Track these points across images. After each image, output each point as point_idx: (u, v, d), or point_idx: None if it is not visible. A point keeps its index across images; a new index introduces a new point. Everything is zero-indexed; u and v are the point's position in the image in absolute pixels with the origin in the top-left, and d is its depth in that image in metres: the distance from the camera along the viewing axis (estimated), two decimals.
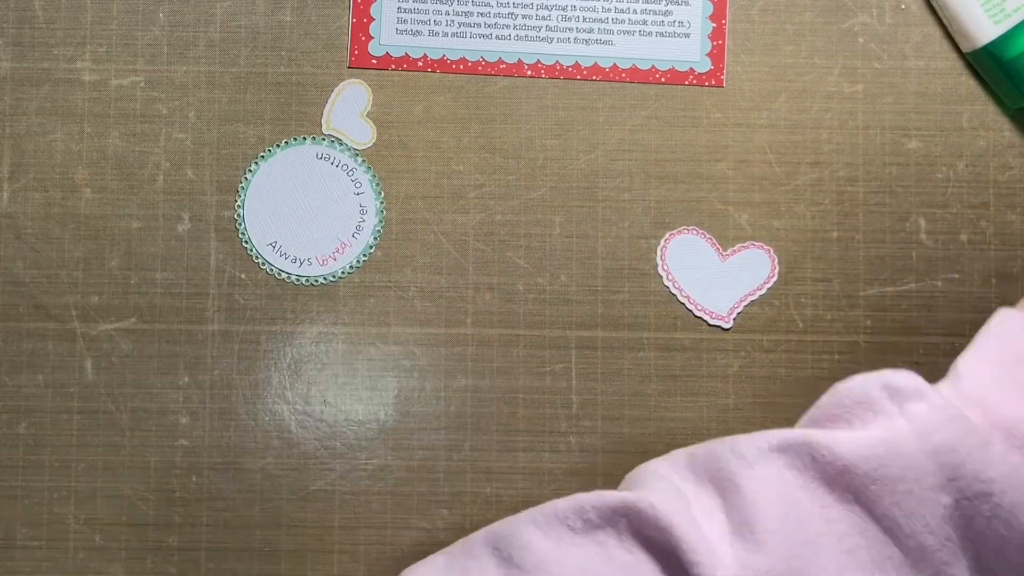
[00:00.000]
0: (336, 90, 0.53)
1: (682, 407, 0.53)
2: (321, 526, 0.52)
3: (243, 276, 0.53)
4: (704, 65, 0.53)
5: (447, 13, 0.53)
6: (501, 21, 0.53)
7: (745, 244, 0.53)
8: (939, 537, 0.39)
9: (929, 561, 0.39)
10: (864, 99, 0.54)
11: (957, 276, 0.53)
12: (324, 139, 0.53)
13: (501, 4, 0.53)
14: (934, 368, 0.53)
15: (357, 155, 0.53)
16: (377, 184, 0.53)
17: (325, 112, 0.53)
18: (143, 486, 0.52)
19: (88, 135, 0.53)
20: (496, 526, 0.44)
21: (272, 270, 0.53)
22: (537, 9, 0.53)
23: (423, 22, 0.53)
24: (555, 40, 0.53)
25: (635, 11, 0.53)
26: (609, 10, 0.53)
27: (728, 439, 0.43)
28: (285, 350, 0.53)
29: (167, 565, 0.52)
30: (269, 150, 0.53)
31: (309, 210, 0.53)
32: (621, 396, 0.53)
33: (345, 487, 0.52)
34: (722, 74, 0.53)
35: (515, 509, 0.52)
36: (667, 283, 0.53)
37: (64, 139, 0.53)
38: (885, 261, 0.53)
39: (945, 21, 0.53)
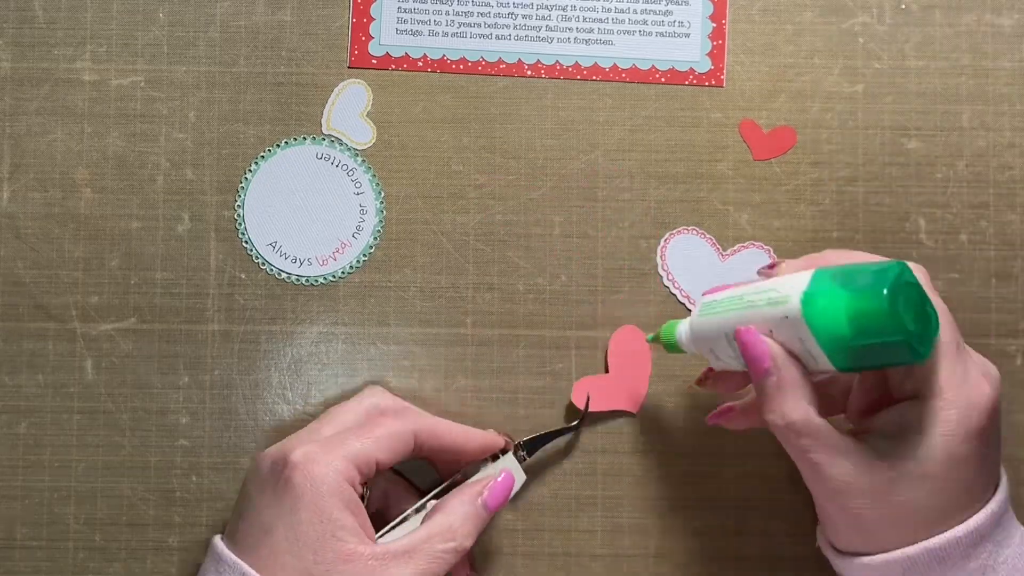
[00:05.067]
0: (336, 90, 0.53)
1: (683, 407, 0.53)
2: None
3: (243, 276, 0.53)
4: (704, 65, 0.53)
5: (447, 13, 0.53)
6: (501, 21, 0.53)
7: (745, 244, 0.53)
8: None
9: None
10: (864, 99, 0.54)
11: (957, 276, 0.53)
12: (324, 139, 0.53)
13: (501, 4, 0.53)
14: None
15: (357, 155, 0.53)
16: (377, 184, 0.53)
17: (325, 112, 0.53)
18: (143, 486, 0.52)
19: (88, 135, 0.53)
20: None
21: (272, 270, 0.53)
22: (537, 9, 0.53)
23: (423, 22, 0.53)
24: (555, 40, 0.53)
25: (635, 11, 0.53)
26: (609, 10, 0.53)
27: None
28: (285, 350, 0.53)
29: (167, 565, 0.52)
30: (269, 150, 0.53)
31: (309, 210, 0.53)
32: None
33: None
34: (722, 74, 0.53)
35: (515, 509, 0.52)
36: (667, 283, 0.53)
37: (64, 139, 0.53)
38: None
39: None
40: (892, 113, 0.54)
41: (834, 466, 0.42)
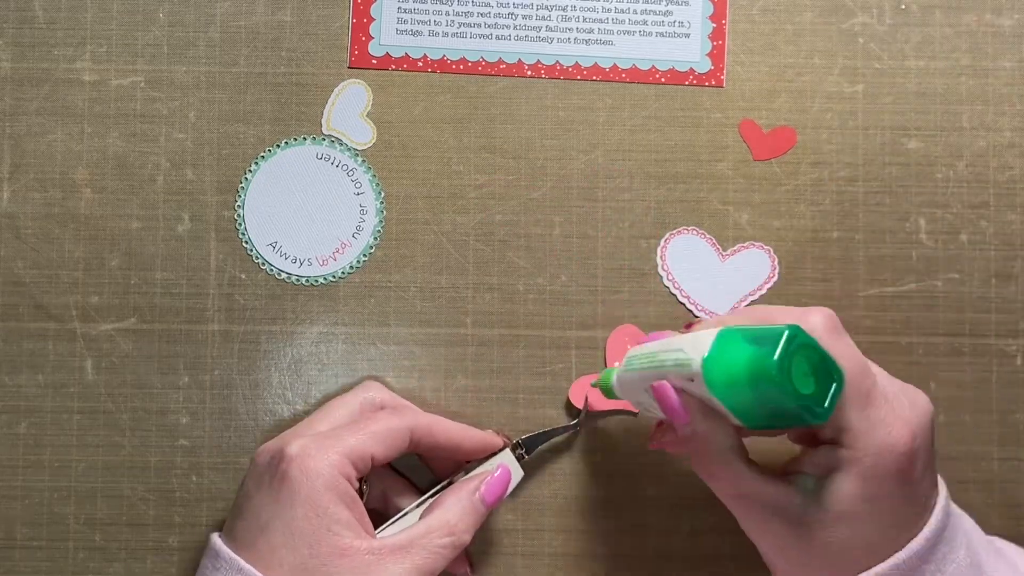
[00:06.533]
0: (336, 90, 0.53)
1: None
2: None
3: (243, 276, 0.53)
4: (704, 65, 0.53)
5: (447, 13, 0.53)
6: (501, 21, 0.53)
7: (745, 244, 0.53)
8: None
9: None
10: (864, 99, 0.54)
11: (957, 276, 0.53)
12: (324, 139, 0.53)
13: (501, 4, 0.53)
14: (934, 368, 0.53)
15: (357, 155, 0.53)
16: (377, 184, 0.53)
17: (325, 112, 0.53)
18: (143, 486, 0.52)
19: (88, 135, 0.53)
20: None
21: (272, 270, 0.53)
22: (537, 9, 0.53)
23: (423, 22, 0.53)
24: (555, 40, 0.53)
25: (635, 11, 0.53)
26: (609, 10, 0.53)
27: None
28: (285, 350, 0.53)
29: (167, 565, 0.52)
30: (269, 150, 0.53)
31: (309, 210, 0.53)
32: None
33: None
34: (722, 74, 0.53)
35: (515, 509, 0.52)
36: (667, 283, 0.53)
37: (64, 139, 0.53)
38: (885, 261, 0.53)
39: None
40: (892, 113, 0.54)
41: (762, 509, 0.43)
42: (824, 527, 0.42)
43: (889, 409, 0.42)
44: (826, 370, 0.40)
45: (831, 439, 0.42)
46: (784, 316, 0.43)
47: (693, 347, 0.42)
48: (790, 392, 0.38)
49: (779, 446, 0.46)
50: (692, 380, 0.41)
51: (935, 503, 0.43)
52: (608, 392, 0.49)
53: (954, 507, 0.45)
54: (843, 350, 0.42)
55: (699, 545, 0.53)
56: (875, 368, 0.43)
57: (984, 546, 0.45)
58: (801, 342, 0.39)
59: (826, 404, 0.39)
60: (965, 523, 0.45)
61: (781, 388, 0.38)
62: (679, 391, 0.42)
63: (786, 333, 0.39)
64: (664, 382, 0.43)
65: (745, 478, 0.42)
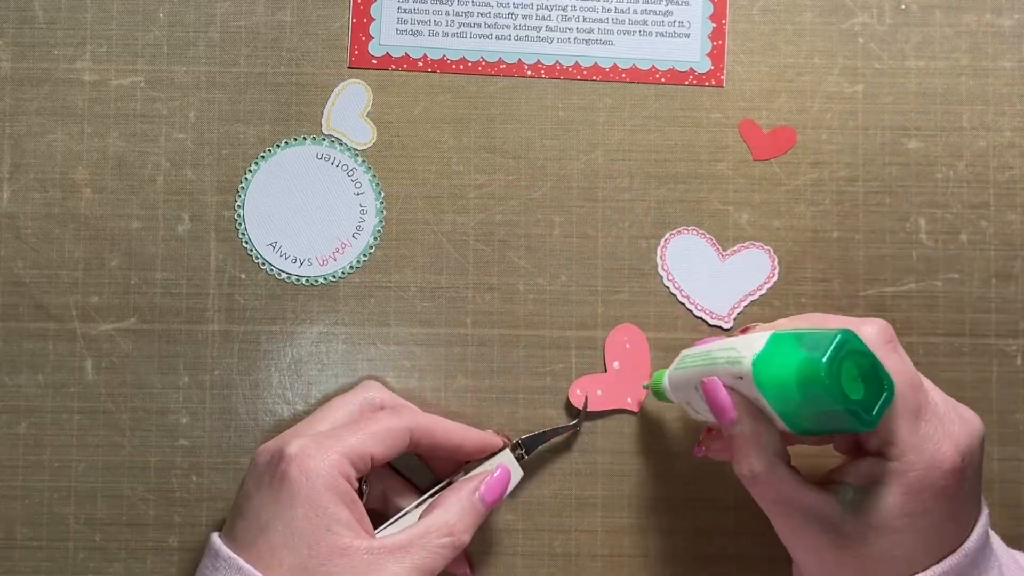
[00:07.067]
0: (336, 90, 0.53)
1: (683, 408, 0.53)
2: None
3: (243, 276, 0.53)
4: (704, 65, 0.53)
5: (447, 13, 0.53)
6: (501, 21, 0.53)
7: (745, 244, 0.53)
8: None
9: None
10: (864, 99, 0.54)
11: (957, 276, 0.53)
12: (324, 139, 0.53)
13: (501, 4, 0.53)
14: (934, 368, 0.53)
15: (357, 155, 0.53)
16: (377, 184, 0.53)
17: (325, 112, 0.53)
18: (143, 486, 0.52)
19: (88, 135, 0.53)
20: None
21: (272, 270, 0.53)
22: (537, 9, 0.53)
23: (423, 22, 0.53)
24: (555, 40, 0.53)
25: (635, 11, 0.53)
26: (609, 10, 0.53)
27: None
28: (285, 350, 0.53)
29: (167, 565, 0.52)
30: (269, 150, 0.53)
31: (309, 210, 0.53)
32: None
33: None
34: (722, 74, 0.53)
35: (515, 509, 0.52)
36: (667, 283, 0.53)
37: (64, 139, 0.53)
38: (885, 261, 0.53)
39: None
40: (892, 113, 0.54)
41: (801, 516, 0.42)
42: (863, 538, 0.42)
43: (939, 425, 0.42)
44: (877, 378, 0.40)
45: (877, 451, 0.42)
46: (840, 324, 0.43)
47: (746, 346, 0.42)
48: (838, 395, 0.38)
49: (823, 456, 0.46)
50: (741, 378, 0.42)
51: (976, 522, 0.43)
52: (659, 394, 0.49)
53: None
54: (896, 362, 0.42)
55: (701, 545, 0.53)
56: (928, 384, 0.43)
57: (1012, 568, 0.45)
58: (853, 348, 0.39)
59: (875, 412, 0.39)
60: (997, 543, 0.45)
61: (829, 390, 0.38)
62: (728, 388, 0.43)
63: (838, 336, 0.39)
64: (714, 378, 0.43)
65: (787, 484, 0.42)
